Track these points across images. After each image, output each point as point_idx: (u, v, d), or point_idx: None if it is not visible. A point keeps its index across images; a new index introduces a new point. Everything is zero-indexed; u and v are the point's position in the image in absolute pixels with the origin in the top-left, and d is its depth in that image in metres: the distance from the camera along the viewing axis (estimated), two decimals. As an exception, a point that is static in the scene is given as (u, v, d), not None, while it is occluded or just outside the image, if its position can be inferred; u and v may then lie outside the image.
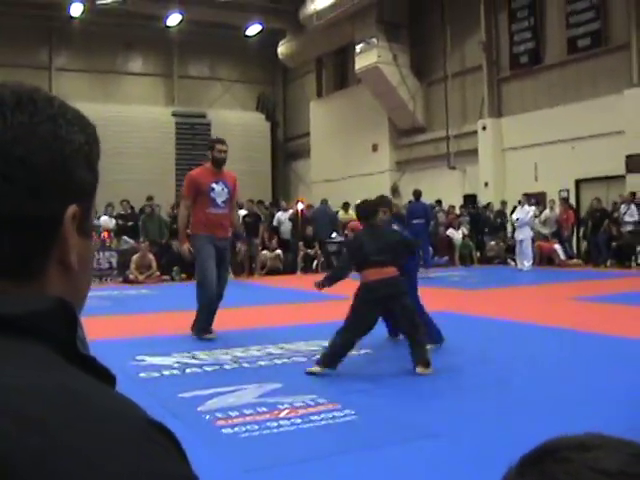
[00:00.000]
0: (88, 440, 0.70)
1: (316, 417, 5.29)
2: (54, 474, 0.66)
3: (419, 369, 6.86)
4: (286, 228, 23.33)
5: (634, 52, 21.93)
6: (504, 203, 24.16)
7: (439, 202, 25.05)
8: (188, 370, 7.13)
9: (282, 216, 23.68)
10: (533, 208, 22.06)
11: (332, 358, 6.98)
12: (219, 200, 9.24)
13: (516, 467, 0.86)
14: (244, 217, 20.46)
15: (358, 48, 30.19)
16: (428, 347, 7.35)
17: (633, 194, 21.19)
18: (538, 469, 0.82)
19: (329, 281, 7.69)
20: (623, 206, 20.90)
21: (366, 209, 7.77)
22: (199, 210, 9.27)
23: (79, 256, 0.87)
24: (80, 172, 0.87)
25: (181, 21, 31.95)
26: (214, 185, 9.20)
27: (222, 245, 9.38)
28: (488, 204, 25.22)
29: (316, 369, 6.92)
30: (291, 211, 23.85)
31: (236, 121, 37.05)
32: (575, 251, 22.88)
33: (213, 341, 8.89)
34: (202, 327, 9.30)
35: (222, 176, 9.39)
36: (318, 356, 7.26)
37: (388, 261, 7.18)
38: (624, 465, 0.79)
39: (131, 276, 18.33)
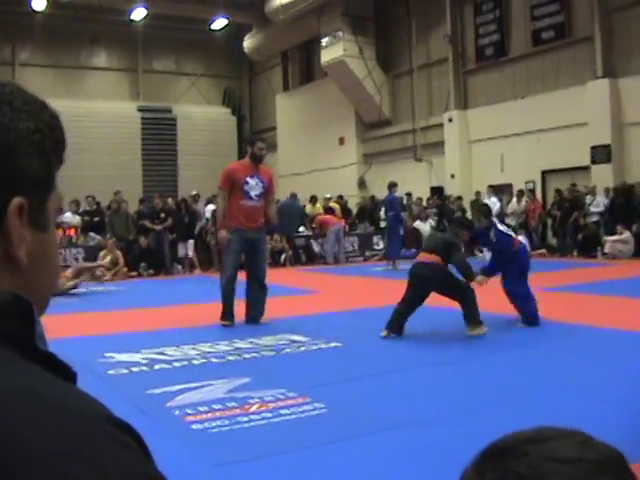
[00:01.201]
0: (47, 441, 0.68)
1: (286, 411, 5.29)
2: (9, 477, 0.64)
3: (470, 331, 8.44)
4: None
5: (597, 44, 22.11)
6: (478, 193, 24.19)
7: (409, 194, 25.10)
8: (157, 366, 7.09)
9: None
10: (514, 200, 22.25)
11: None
12: (252, 193, 9.83)
13: (474, 466, 0.88)
14: (213, 211, 20.40)
15: (324, 42, 30.20)
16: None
17: (574, 184, 21.81)
18: (500, 466, 0.84)
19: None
20: (589, 197, 21.09)
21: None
22: (234, 202, 9.84)
23: (32, 251, 0.83)
24: (28, 161, 0.82)
25: (146, 15, 31.74)
26: (249, 179, 9.82)
27: (254, 236, 9.94)
28: (448, 196, 25.30)
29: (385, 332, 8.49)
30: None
31: (202, 116, 36.99)
32: (542, 241, 23.01)
33: (186, 336, 8.82)
34: (222, 314, 9.94)
35: (258, 171, 9.99)
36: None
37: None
38: (577, 452, 0.83)
39: (98, 273, 18.20)
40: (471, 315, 8.42)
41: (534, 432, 0.89)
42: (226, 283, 9.90)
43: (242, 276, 10.19)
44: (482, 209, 10.31)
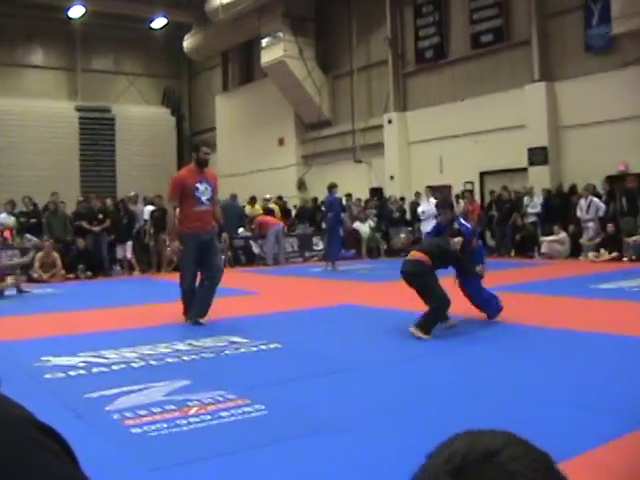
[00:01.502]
0: None
1: (226, 413, 5.26)
2: None
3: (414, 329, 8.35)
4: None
5: (534, 48, 22.45)
6: (418, 194, 24.41)
7: (349, 195, 25.20)
8: (95, 369, 7.00)
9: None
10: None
11: None
12: (203, 198, 9.98)
13: (453, 473, 0.86)
14: (152, 212, 20.25)
15: (264, 42, 30.20)
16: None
17: (504, 187, 22.35)
18: (499, 470, 0.84)
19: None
20: (526, 198, 21.39)
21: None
22: (186, 209, 9.99)
23: None
24: None
25: (84, 13, 31.32)
26: (198, 185, 9.94)
27: (208, 237, 10.10)
28: (389, 197, 25.47)
29: None
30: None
31: (141, 115, 36.72)
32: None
33: (125, 339, 8.72)
34: (193, 314, 10.08)
35: (205, 175, 10.18)
36: None
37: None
38: (544, 455, 0.90)
39: (35, 275, 17.92)
40: (427, 321, 8.45)
41: (494, 436, 0.91)
42: (187, 289, 10.12)
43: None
44: (448, 201, 10.51)
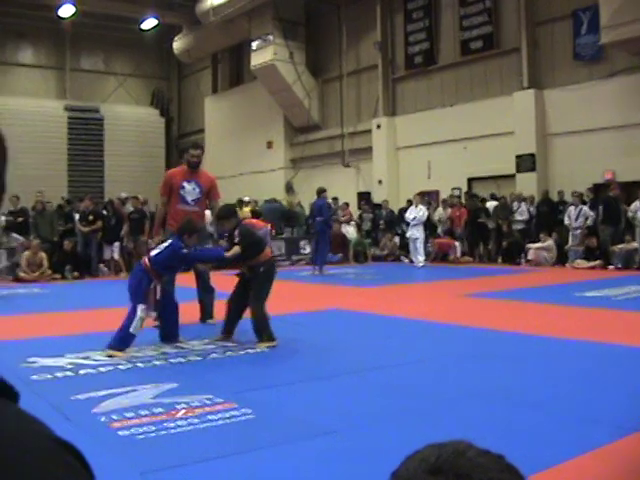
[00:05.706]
0: None
1: (213, 417, 5.26)
2: None
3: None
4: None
5: (524, 56, 22.56)
6: (385, 202, 24.76)
7: (336, 199, 25.21)
8: (82, 371, 6.98)
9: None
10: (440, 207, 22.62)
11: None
12: (189, 198, 10.13)
13: (431, 471, 0.91)
14: (130, 214, 20.21)
15: (254, 45, 30.20)
16: None
17: (458, 194, 22.74)
18: (470, 464, 0.90)
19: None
20: (515, 204, 21.45)
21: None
22: (171, 206, 10.18)
23: None
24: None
25: (75, 13, 31.22)
26: (185, 184, 10.12)
27: None
28: (379, 204, 25.56)
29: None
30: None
31: (130, 116, 36.65)
32: (467, 248, 23.30)
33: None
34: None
35: (196, 176, 10.30)
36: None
37: None
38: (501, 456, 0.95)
39: (21, 274, 17.87)
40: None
41: (450, 443, 0.95)
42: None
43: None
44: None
